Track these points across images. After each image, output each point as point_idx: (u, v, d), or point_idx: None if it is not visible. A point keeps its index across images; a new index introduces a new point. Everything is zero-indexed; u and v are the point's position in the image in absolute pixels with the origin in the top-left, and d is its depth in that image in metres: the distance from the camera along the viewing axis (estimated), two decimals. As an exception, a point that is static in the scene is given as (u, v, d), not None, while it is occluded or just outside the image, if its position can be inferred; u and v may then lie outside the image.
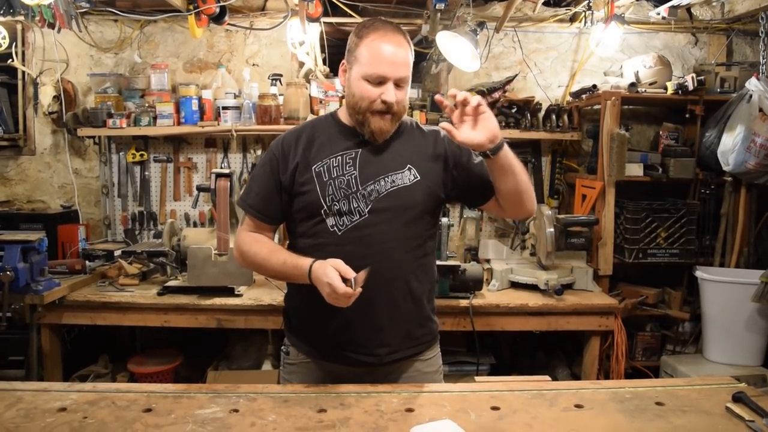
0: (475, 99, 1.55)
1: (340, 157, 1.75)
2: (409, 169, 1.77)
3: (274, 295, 2.96)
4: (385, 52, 1.66)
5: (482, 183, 1.79)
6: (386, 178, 1.74)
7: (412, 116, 3.46)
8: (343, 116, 1.84)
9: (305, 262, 1.65)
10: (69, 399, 1.57)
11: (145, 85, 3.79)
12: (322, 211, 1.73)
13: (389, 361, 1.80)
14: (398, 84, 1.70)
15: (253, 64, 3.91)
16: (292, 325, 1.92)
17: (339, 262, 1.57)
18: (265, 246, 1.80)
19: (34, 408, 1.52)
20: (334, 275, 1.54)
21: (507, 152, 1.64)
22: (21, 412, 1.49)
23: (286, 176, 1.77)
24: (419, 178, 1.78)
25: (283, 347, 1.93)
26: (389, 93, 1.67)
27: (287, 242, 1.93)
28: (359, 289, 1.54)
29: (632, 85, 3.44)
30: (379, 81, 1.67)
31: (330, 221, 1.73)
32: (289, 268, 1.70)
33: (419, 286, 1.80)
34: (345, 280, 1.53)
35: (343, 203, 1.72)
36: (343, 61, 1.79)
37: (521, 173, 1.71)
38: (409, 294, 1.76)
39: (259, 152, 3.83)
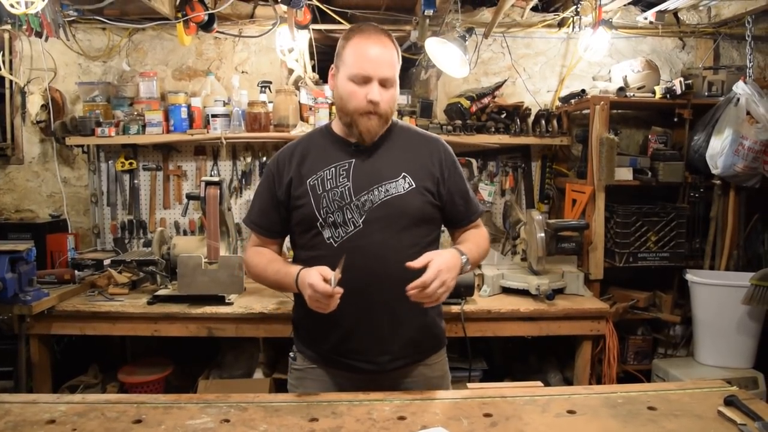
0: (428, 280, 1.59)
1: (333, 169, 1.77)
2: (404, 177, 1.77)
3: (264, 303, 2.95)
4: (369, 52, 1.69)
5: (453, 216, 1.91)
6: (380, 188, 1.74)
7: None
8: (336, 127, 1.86)
9: (294, 269, 1.69)
10: (58, 411, 1.56)
11: (133, 93, 3.76)
12: (318, 224, 1.75)
13: (392, 368, 1.80)
14: (384, 84, 1.70)
15: (243, 72, 3.90)
16: (299, 333, 1.95)
17: (324, 268, 1.59)
18: (265, 257, 1.86)
19: (23, 420, 1.50)
20: (315, 277, 1.56)
21: (470, 262, 1.77)
22: (9, 425, 1.47)
23: (282, 191, 1.81)
24: (414, 185, 1.78)
25: (291, 353, 1.95)
26: (374, 92, 1.68)
27: (292, 253, 1.99)
28: (339, 289, 1.54)
29: (621, 89, 3.46)
30: (364, 81, 1.69)
31: (326, 233, 1.75)
32: (281, 275, 1.75)
33: None
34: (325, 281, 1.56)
35: (338, 215, 1.73)
36: (332, 66, 1.80)
37: (480, 255, 1.89)
38: (408, 301, 1.72)
39: (248, 160, 3.82)
